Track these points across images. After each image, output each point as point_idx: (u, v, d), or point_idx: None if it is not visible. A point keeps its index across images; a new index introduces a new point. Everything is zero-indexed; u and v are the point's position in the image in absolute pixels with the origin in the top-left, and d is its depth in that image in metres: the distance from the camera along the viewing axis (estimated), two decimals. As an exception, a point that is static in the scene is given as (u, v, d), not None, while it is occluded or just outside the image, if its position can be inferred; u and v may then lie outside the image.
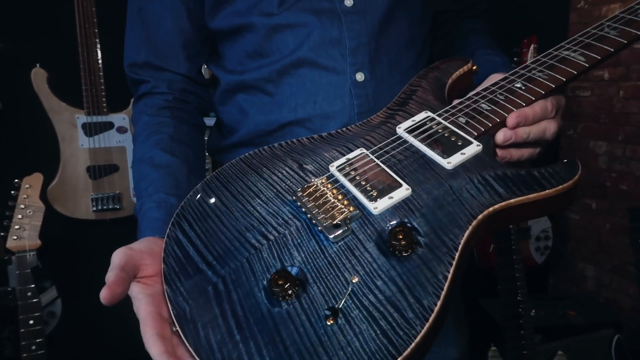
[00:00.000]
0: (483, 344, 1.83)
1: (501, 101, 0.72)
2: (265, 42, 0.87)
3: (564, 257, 3.34)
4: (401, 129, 0.74)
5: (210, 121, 1.04)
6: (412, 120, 0.75)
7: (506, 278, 1.64)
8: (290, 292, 0.58)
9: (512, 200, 0.62)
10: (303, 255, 0.62)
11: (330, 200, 0.66)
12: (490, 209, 0.61)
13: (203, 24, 0.92)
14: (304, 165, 0.75)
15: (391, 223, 0.62)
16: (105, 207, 2.34)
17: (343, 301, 0.56)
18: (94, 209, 2.34)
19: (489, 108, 0.72)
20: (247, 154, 0.81)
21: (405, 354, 0.50)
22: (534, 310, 2.42)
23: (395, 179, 0.67)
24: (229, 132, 0.95)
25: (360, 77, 0.87)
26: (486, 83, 0.79)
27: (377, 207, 0.64)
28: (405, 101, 0.81)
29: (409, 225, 0.62)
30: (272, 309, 0.58)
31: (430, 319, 0.53)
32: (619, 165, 2.92)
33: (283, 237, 0.65)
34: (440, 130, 0.72)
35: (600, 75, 2.97)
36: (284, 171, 0.75)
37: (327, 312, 0.55)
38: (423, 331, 0.51)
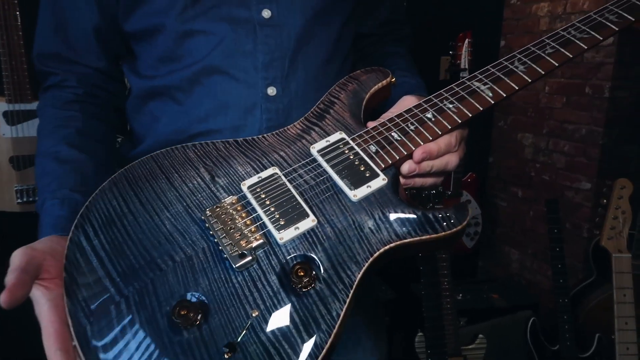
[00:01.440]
0: (412, 332, 1.96)
1: (411, 132, 0.75)
2: (177, 47, 0.82)
3: (492, 242, 3.63)
4: (315, 150, 0.76)
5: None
6: (327, 141, 0.76)
7: (429, 272, 1.77)
8: (192, 321, 0.60)
9: (407, 240, 0.67)
10: (207, 283, 0.64)
11: (238, 226, 0.68)
12: (387, 247, 0.66)
13: (117, 20, 0.85)
14: (216, 179, 0.75)
15: (294, 255, 0.65)
16: (30, 199, 2.28)
17: (242, 335, 0.60)
18: (19, 200, 2.28)
19: (399, 139, 0.75)
20: (159, 152, 0.79)
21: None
22: (460, 295, 2.62)
23: (303, 208, 0.69)
24: (138, 141, 0.91)
25: (271, 91, 0.84)
26: (399, 106, 0.81)
27: (283, 237, 0.66)
28: (322, 115, 0.82)
29: (311, 258, 0.65)
30: (174, 337, 0.60)
31: (320, 356, 0.58)
32: (542, 157, 3.14)
33: (189, 260, 0.66)
34: (351, 157, 0.74)
35: (529, 70, 3.09)
36: (195, 182, 0.74)
37: (225, 349, 0.58)
38: (313, 368, 0.57)
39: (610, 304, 1.64)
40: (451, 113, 0.77)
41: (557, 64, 0.80)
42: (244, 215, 0.69)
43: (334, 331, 0.60)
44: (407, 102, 0.81)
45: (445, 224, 0.68)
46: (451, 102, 0.78)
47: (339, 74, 0.91)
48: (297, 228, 0.67)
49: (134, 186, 0.74)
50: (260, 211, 0.69)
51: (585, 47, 0.81)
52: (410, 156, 0.74)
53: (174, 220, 0.70)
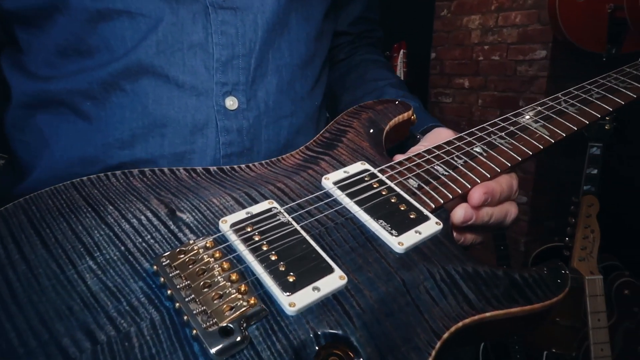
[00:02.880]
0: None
1: (460, 166, 0.55)
2: (87, 34, 0.56)
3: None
4: (329, 181, 0.52)
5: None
6: (345, 172, 0.54)
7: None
8: None
9: (487, 314, 0.42)
10: (157, 383, 0.34)
11: (217, 280, 0.40)
12: (460, 323, 0.41)
13: None
14: (178, 213, 0.48)
15: (316, 334, 0.38)
16: None
17: None
18: None
19: (447, 173, 0.54)
20: (85, 179, 0.51)
21: None
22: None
23: (324, 259, 0.43)
24: (23, 171, 0.61)
25: (231, 103, 0.60)
26: (432, 140, 0.62)
27: (295, 302, 0.39)
28: (331, 143, 0.60)
29: (346, 339, 0.38)
30: None
31: None
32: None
33: (125, 341, 0.36)
34: (384, 193, 0.51)
35: (461, 83, 3.06)
36: (142, 217, 0.47)
37: None
38: None
39: (553, 318, 1.48)
40: (505, 149, 0.58)
41: (610, 109, 0.67)
42: (225, 266, 0.42)
43: None
44: (444, 134, 0.62)
45: (539, 291, 0.45)
46: (501, 137, 0.60)
47: (317, 83, 0.69)
48: (317, 289, 0.41)
49: (37, 223, 0.45)
50: (252, 260, 0.43)
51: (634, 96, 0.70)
52: (464, 197, 0.53)
53: (100, 273, 0.41)
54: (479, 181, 0.53)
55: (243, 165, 0.56)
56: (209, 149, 0.59)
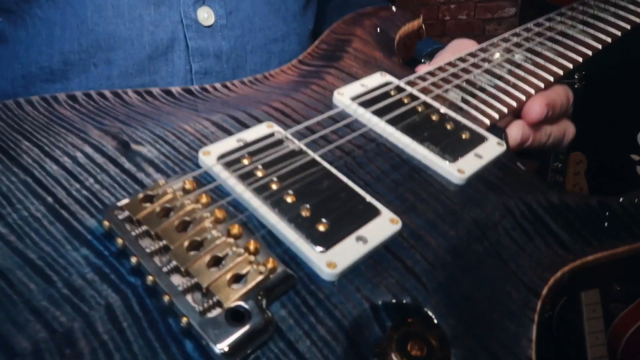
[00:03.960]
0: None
1: (506, 75, 0.42)
2: None
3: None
4: (344, 97, 0.38)
5: None
6: (362, 85, 0.39)
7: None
8: None
9: (589, 258, 0.31)
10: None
11: (210, 237, 0.25)
12: (558, 274, 0.29)
13: None
14: (133, 146, 0.32)
15: (374, 306, 0.25)
16: None
17: None
18: None
19: (493, 84, 0.41)
20: None
21: None
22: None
23: (363, 198, 0.30)
24: None
25: (206, 15, 0.45)
26: (456, 49, 0.49)
27: (335, 262, 0.26)
28: (333, 55, 0.45)
29: (421, 312, 0.25)
30: None
31: None
32: None
33: (63, 347, 0.21)
34: (420, 109, 0.37)
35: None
36: (77, 153, 0.31)
37: None
38: None
39: None
40: (552, 55, 0.46)
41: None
42: (219, 215, 0.27)
43: None
44: (467, 44, 0.49)
45: (645, 221, 0.34)
46: (542, 44, 0.48)
47: (309, 2, 0.54)
48: (362, 239, 0.27)
49: None
50: (258, 204, 0.28)
51: None
52: (518, 111, 0.40)
53: (14, 239, 0.25)
54: (533, 92, 0.41)
55: (218, 84, 0.41)
56: (176, 81, 0.44)
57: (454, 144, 0.35)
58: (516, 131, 0.39)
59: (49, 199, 0.28)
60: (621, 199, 0.34)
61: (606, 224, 0.33)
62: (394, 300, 0.25)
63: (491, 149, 0.35)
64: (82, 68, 0.42)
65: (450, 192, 0.32)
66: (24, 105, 0.35)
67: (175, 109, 0.37)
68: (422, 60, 0.56)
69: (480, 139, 0.35)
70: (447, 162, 0.33)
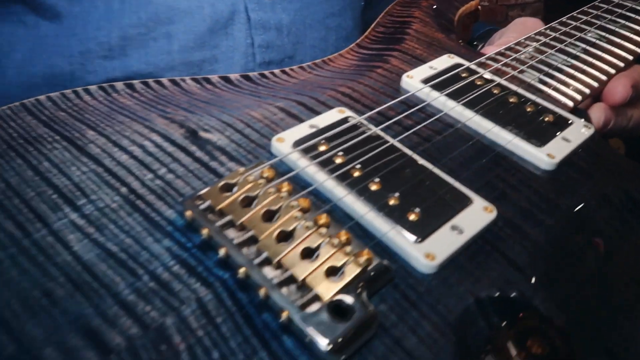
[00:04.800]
0: None
1: (582, 54, 0.40)
2: None
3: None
4: (414, 80, 0.36)
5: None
6: (431, 68, 0.37)
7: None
8: None
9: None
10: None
11: (298, 228, 0.24)
12: (666, 266, 0.27)
13: None
14: (201, 133, 0.30)
15: (479, 301, 0.23)
16: None
17: None
18: None
19: (570, 63, 0.39)
20: (38, 98, 0.33)
21: None
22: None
23: (452, 185, 0.28)
24: None
25: None
26: (521, 30, 0.46)
27: (434, 253, 0.24)
28: (393, 37, 0.43)
29: (523, 306, 0.23)
30: None
31: None
32: None
33: (157, 344, 0.20)
34: (496, 92, 0.35)
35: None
36: (145, 142, 0.29)
37: None
38: None
39: None
40: (628, 33, 0.43)
41: None
42: (304, 204, 0.25)
43: None
44: (531, 23, 0.47)
45: None
46: (614, 21, 0.45)
47: None
48: (458, 229, 0.25)
49: None
50: (343, 193, 0.26)
51: None
52: (598, 93, 0.38)
53: (93, 231, 0.24)
54: (613, 72, 0.38)
55: (276, 71, 0.39)
56: (238, 55, 0.42)
57: (538, 127, 0.32)
58: (598, 114, 0.37)
59: (123, 190, 0.27)
60: None
61: None
62: (499, 294, 0.23)
63: (578, 132, 0.33)
64: (141, 43, 0.40)
65: (541, 179, 0.30)
66: (82, 94, 0.34)
67: (236, 95, 0.36)
68: (475, 43, 0.54)
69: (565, 122, 0.33)
70: (535, 146, 0.31)
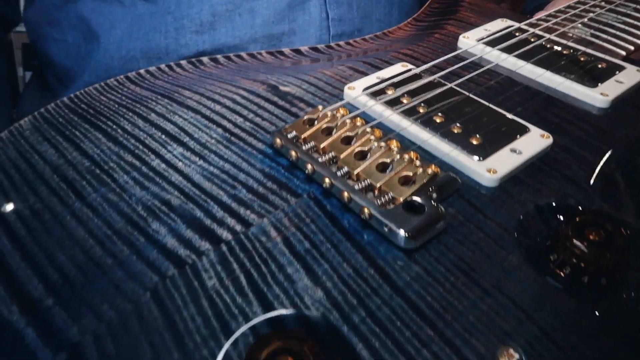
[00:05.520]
0: None
1: (633, 12, 0.42)
2: None
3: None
4: (470, 39, 0.39)
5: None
6: (486, 30, 0.40)
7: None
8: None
9: None
10: (327, 281, 0.22)
11: (373, 148, 0.27)
12: None
13: None
14: (282, 88, 0.35)
15: (539, 207, 0.26)
16: None
17: None
18: None
19: (620, 20, 0.41)
20: (139, 71, 0.38)
21: None
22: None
23: (508, 117, 0.30)
24: (65, 81, 0.47)
25: None
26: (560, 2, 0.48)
27: (495, 168, 0.27)
28: (447, 10, 0.46)
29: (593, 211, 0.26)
30: None
31: None
32: None
33: (259, 237, 0.24)
34: (548, 46, 0.38)
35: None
36: (235, 96, 0.34)
37: None
38: None
39: None
40: (680, -7, 0.44)
41: None
42: (376, 133, 0.29)
43: None
44: None
45: None
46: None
47: None
48: (517, 151, 0.28)
49: (93, 118, 0.33)
50: (409, 124, 0.30)
51: None
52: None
53: (197, 158, 0.29)
54: (666, 27, 0.40)
55: (342, 42, 0.43)
56: (313, 28, 0.46)
57: (591, 72, 0.35)
58: None
59: (219, 130, 0.31)
60: None
61: None
62: (556, 203, 0.26)
63: (632, 75, 0.35)
64: (228, 18, 0.45)
65: (595, 115, 0.32)
66: (174, 68, 0.39)
67: (307, 62, 0.40)
68: (527, 16, 0.56)
69: (618, 68, 0.35)
70: (588, 87, 0.33)
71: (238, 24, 0.44)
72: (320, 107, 0.31)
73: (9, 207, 0.26)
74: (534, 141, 0.29)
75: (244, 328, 0.20)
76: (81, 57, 0.47)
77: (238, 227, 0.25)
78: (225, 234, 0.24)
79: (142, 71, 0.39)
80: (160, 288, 0.22)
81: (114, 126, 0.32)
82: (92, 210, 0.26)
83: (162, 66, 0.40)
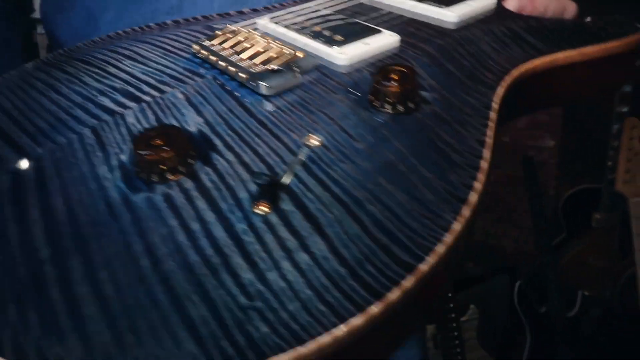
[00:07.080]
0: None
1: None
2: None
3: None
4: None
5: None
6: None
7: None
8: (172, 162, 0.27)
9: (559, 55, 0.38)
10: (209, 115, 0.32)
11: (256, 43, 0.38)
12: (530, 65, 0.37)
13: None
14: (214, 25, 0.46)
15: (373, 75, 0.35)
16: None
17: (290, 176, 0.27)
18: None
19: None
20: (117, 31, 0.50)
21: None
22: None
23: (366, 25, 0.40)
24: None
25: None
26: None
27: (345, 52, 0.37)
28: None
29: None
30: (132, 197, 0.26)
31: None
32: None
33: (169, 98, 0.34)
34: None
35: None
36: (174, 34, 0.45)
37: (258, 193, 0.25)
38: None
39: (585, 258, 1.47)
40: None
41: None
42: (269, 38, 0.39)
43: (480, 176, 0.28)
44: None
45: (614, 31, 0.40)
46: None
47: None
48: (367, 43, 0.38)
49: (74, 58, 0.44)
50: (286, 31, 0.40)
51: None
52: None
53: (139, 65, 0.39)
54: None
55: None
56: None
57: None
58: (513, 2, 0.47)
59: (160, 50, 0.42)
60: (589, 18, 0.41)
61: (577, 33, 0.40)
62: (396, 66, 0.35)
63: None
64: (192, 2, 0.55)
65: (444, 29, 0.42)
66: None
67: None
68: None
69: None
70: (440, 8, 0.43)
71: (200, 6, 0.55)
72: (230, 25, 0.41)
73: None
74: (384, 39, 0.38)
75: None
76: (82, 35, 0.59)
77: (156, 93, 0.35)
78: (146, 97, 0.35)
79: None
80: (97, 127, 0.33)
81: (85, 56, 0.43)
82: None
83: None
